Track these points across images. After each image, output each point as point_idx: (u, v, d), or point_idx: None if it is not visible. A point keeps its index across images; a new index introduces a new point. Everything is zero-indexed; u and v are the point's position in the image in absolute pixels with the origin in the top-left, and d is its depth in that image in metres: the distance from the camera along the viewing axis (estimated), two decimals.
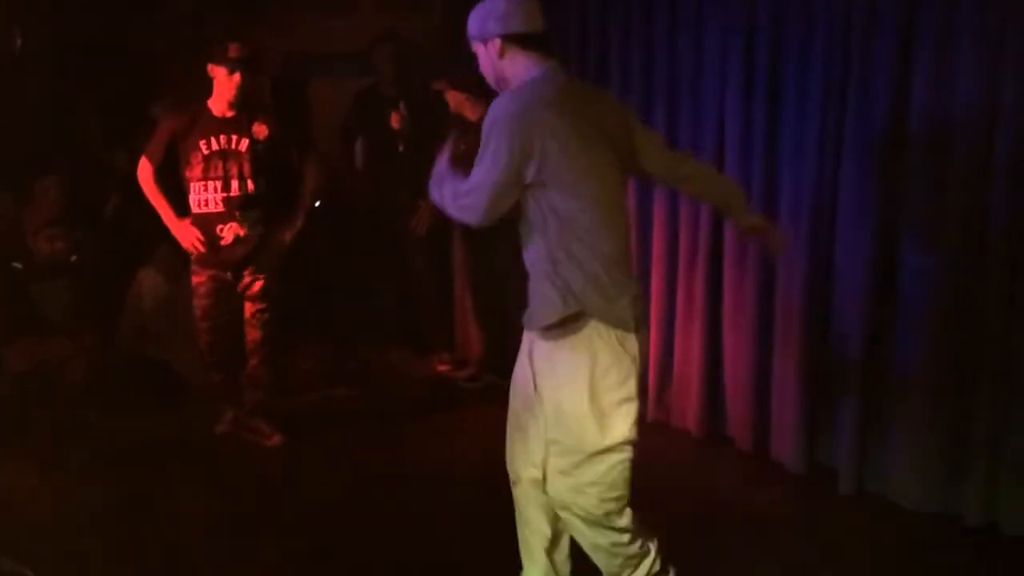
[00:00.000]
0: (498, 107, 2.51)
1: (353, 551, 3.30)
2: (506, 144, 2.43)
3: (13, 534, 3.19)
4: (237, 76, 3.87)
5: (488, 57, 2.61)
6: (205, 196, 3.97)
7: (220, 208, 3.97)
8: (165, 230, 4.18)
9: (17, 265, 4.33)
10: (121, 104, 5.55)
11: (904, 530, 3.41)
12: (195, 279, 4.08)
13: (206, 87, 3.98)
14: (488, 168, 2.47)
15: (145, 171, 4.00)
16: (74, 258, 4.58)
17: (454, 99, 4.61)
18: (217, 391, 4.29)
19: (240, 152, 3.98)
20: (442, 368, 5.25)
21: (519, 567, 2.84)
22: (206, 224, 3.99)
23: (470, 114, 4.53)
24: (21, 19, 5.55)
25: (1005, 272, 3.18)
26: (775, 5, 3.71)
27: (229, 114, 3.97)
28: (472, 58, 2.69)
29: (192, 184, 3.98)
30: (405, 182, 5.07)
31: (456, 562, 3.23)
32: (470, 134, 4.64)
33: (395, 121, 4.90)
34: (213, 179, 3.96)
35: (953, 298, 3.30)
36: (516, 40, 2.56)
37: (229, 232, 3.99)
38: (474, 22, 2.64)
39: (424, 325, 5.41)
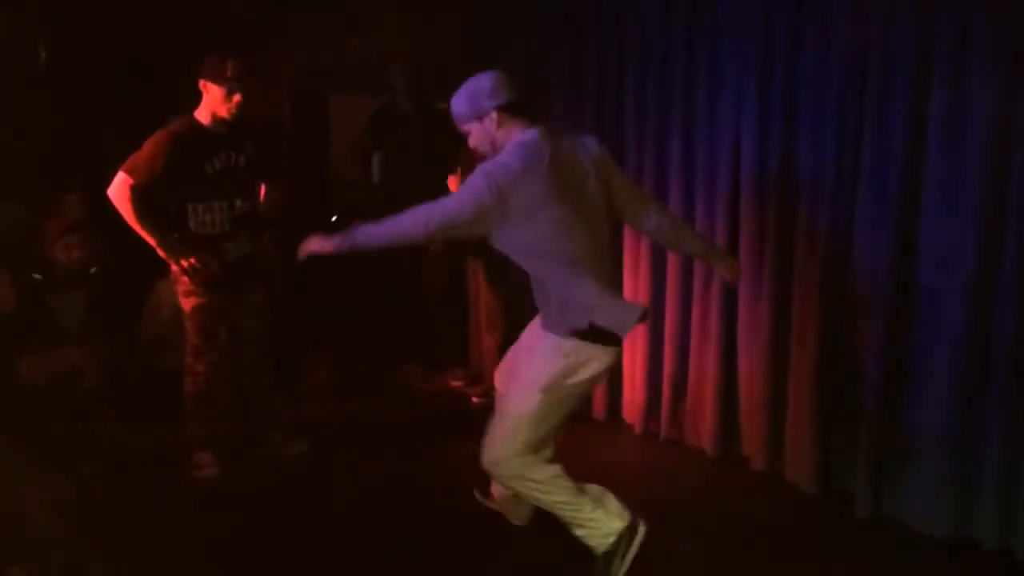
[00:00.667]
0: (503, 159, 2.87)
1: (362, 564, 3.30)
2: (489, 192, 2.79)
3: (26, 543, 3.20)
4: (237, 96, 3.75)
5: (484, 131, 2.98)
6: (211, 216, 3.84)
7: (227, 227, 3.88)
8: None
9: (37, 276, 4.37)
10: (142, 117, 5.60)
11: (919, 554, 3.38)
12: (195, 301, 3.90)
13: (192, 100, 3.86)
14: (461, 199, 2.89)
15: (124, 188, 3.71)
16: (94, 270, 4.61)
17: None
18: (203, 429, 4.08)
19: (240, 168, 3.90)
20: (455, 384, 5.25)
21: None
22: (210, 244, 3.86)
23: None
24: (44, 34, 5.63)
25: (1021, 291, 3.15)
26: (791, 31, 3.71)
27: (223, 130, 3.84)
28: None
29: (192, 206, 3.82)
30: (421, 199, 5.08)
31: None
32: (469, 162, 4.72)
33: (452, 185, 4.78)
34: (219, 198, 3.85)
35: (969, 318, 3.27)
36: (509, 109, 2.95)
37: (235, 249, 3.92)
38: (463, 104, 3.00)
39: (438, 340, 5.42)
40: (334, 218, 4.48)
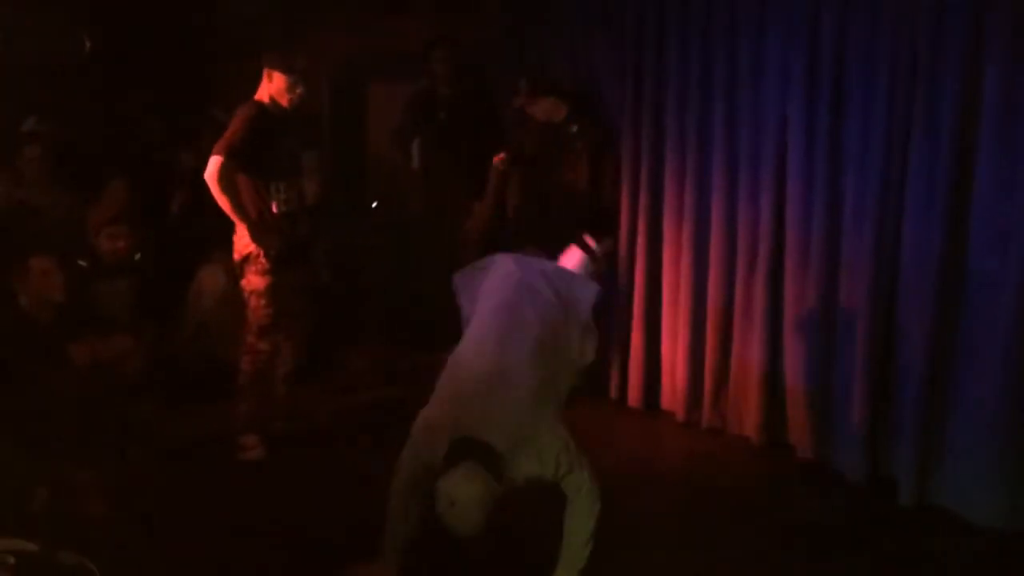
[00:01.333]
0: None
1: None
2: None
3: (73, 528, 3.25)
4: (300, 88, 3.90)
5: None
6: (287, 195, 3.97)
7: (296, 205, 4.02)
8: (225, 228, 4.17)
9: (83, 263, 4.43)
10: (182, 105, 5.66)
11: (967, 544, 3.32)
12: (270, 279, 3.95)
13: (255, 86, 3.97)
14: None
15: (217, 169, 3.78)
16: (138, 256, 4.67)
17: (545, 106, 4.58)
18: (254, 409, 4.12)
19: (300, 152, 4.07)
20: None
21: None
22: (288, 223, 3.98)
23: (554, 114, 4.54)
24: (89, 24, 5.70)
25: None
26: (840, 14, 3.65)
27: (286, 115, 3.96)
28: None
29: (275, 184, 3.93)
30: (461, 183, 5.09)
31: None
32: (534, 135, 4.68)
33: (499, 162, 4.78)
34: (292, 177, 4.00)
35: (1019, 304, 3.20)
36: None
37: (301, 228, 4.05)
38: None
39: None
40: (374, 204, 4.48)
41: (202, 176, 3.87)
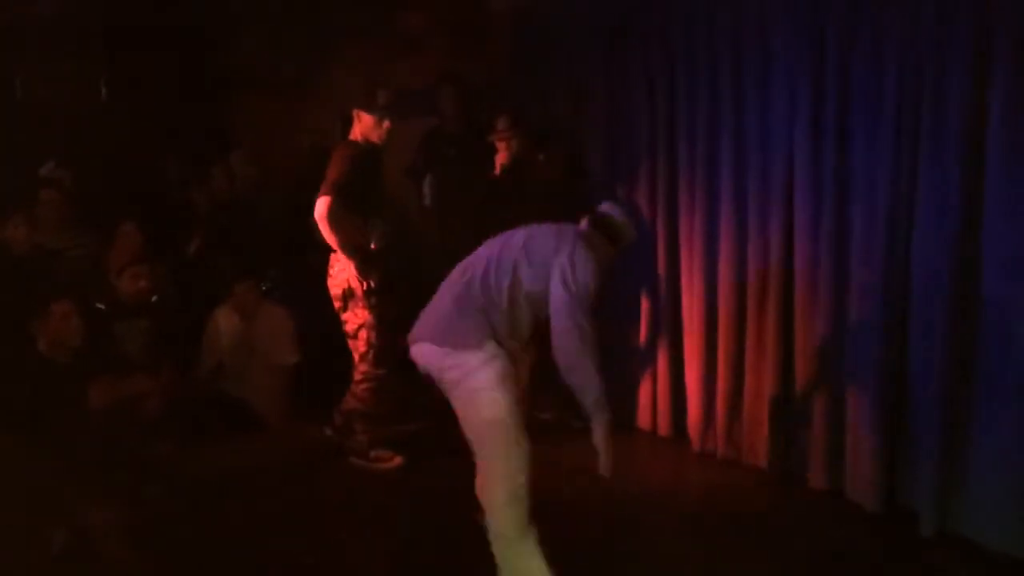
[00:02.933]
0: None
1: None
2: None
3: (92, 570, 3.27)
4: (387, 123, 4.09)
5: None
6: (384, 230, 4.16)
7: (391, 239, 4.19)
8: (243, 268, 4.42)
9: (100, 306, 4.49)
10: (198, 146, 5.75)
11: (989, 573, 3.27)
12: (380, 311, 4.15)
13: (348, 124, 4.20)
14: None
15: (326, 209, 3.93)
16: (155, 298, 4.72)
17: (519, 143, 4.73)
18: (375, 435, 4.35)
19: (382, 188, 4.23)
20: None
21: None
22: (384, 257, 4.18)
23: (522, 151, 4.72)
24: (106, 70, 5.81)
25: None
26: (844, 40, 3.66)
27: (377, 152, 4.16)
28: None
29: (371, 220, 4.11)
30: (472, 220, 5.13)
31: None
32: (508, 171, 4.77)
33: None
34: (381, 213, 4.15)
35: None
36: None
37: (392, 262, 4.23)
38: None
39: None
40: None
41: (216, 217, 3.97)
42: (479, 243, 5.00)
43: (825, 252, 3.82)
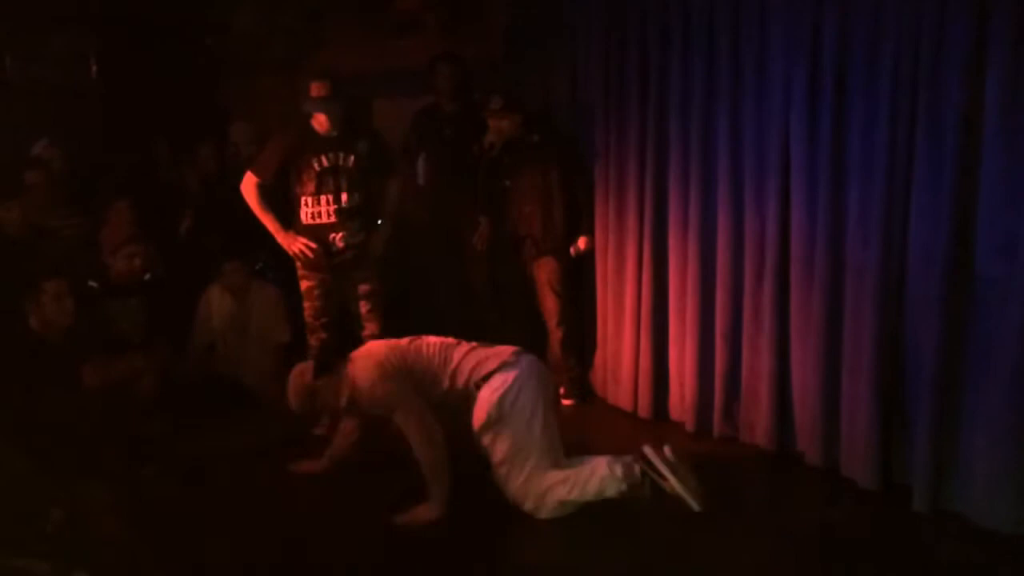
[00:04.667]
0: None
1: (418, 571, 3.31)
2: None
3: (87, 548, 3.26)
4: (323, 115, 4.23)
5: None
6: (318, 208, 4.32)
7: (333, 219, 4.33)
8: (233, 248, 4.58)
9: (93, 284, 4.46)
10: (190, 126, 5.71)
11: (981, 550, 3.30)
12: (306, 283, 4.42)
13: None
14: None
15: (250, 184, 4.31)
16: (148, 276, 4.70)
17: (512, 121, 4.74)
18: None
19: (348, 168, 4.32)
20: None
21: None
22: (319, 233, 4.34)
23: (514, 131, 4.75)
24: (96, 49, 5.75)
25: None
26: (841, 22, 3.65)
27: (335, 133, 4.28)
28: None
29: (304, 198, 4.32)
30: (466, 199, 5.12)
31: None
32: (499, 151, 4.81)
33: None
34: (325, 193, 4.30)
35: None
36: None
37: (341, 240, 4.35)
38: None
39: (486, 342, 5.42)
40: (379, 221, 4.52)
41: (207, 196, 4.02)
42: (472, 222, 5.05)
43: (821, 232, 3.82)
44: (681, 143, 4.36)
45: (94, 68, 5.72)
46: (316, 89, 4.22)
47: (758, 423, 4.19)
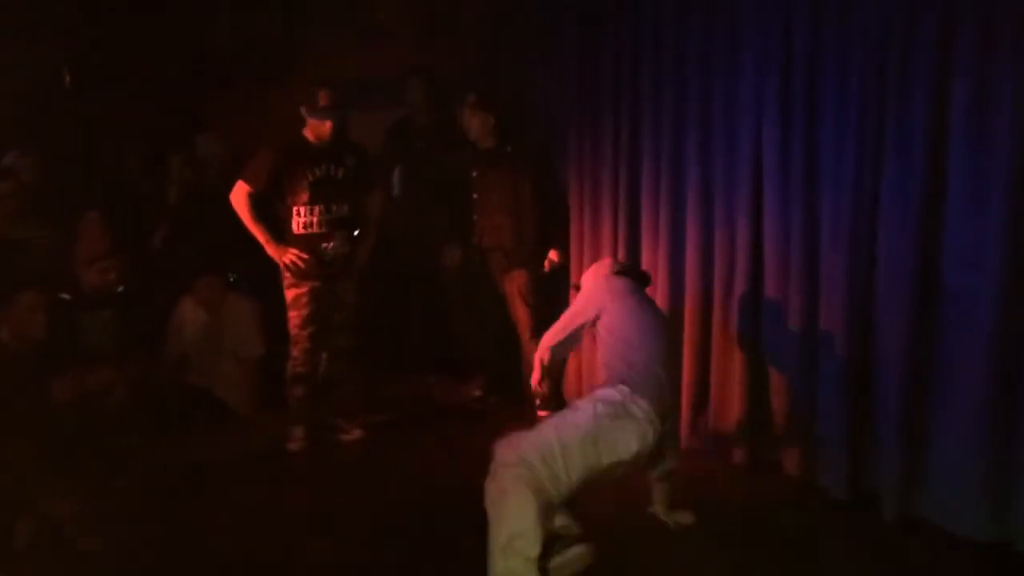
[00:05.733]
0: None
1: None
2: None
3: (58, 561, 3.23)
4: (328, 124, 4.26)
5: None
6: (311, 218, 4.34)
7: (323, 229, 4.36)
8: (206, 261, 4.57)
9: (65, 296, 4.42)
10: (164, 139, 5.68)
11: (952, 556, 3.34)
12: (295, 292, 4.40)
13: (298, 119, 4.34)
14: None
15: (241, 194, 4.29)
16: (121, 288, 4.66)
17: (483, 121, 4.75)
18: (297, 406, 4.51)
19: (337, 179, 4.37)
20: (478, 394, 5.26)
21: None
22: (310, 243, 4.35)
23: (488, 140, 4.75)
24: (69, 58, 5.71)
25: None
26: (811, 30, 3.70)
27: (324, 146, 4.32)
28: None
29: (297, 208, 4.34)
30: (441, 211, 5.14)
31: None
32: (470, 164, 4.83)
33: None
34: (318, 203, 4.33)
35: (999, 316, 3.24)
36: None
37: (331, 249, 4.38)
38: None
39: (460, 352, 5.43)
40: (355, 232, 4.53)
41: (181, 207, 4.00)
42: (449, 230, 5.05)
43: (792, 243, 3.86)
44: (653, 153, 4.39)
45: (67, 78, 5.68)
46: (324, 98, 4.25)
47: (729, 434, 4.21)
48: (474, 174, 4.87)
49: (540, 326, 4.85)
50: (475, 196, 4.89)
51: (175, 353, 5.00)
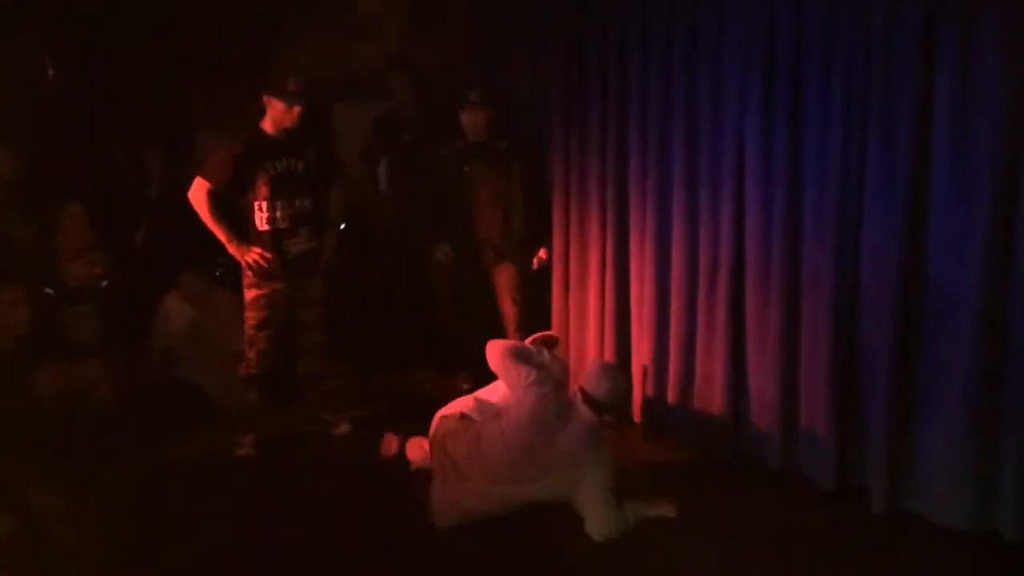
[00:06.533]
0: None
1: None
2: None
3: (43, 558, 3.21)
4: (296, 108, 4.11)
5: None
6: (273, 214, 4.19)
7: (287, 224, 4.22)
8: (190, 256, 4.41)
9: (49, 291, 4.40)
10: (147, 133, 5.64)
11: (939, 548, 3.36)
12: (255, 292, 4.24)
13: (258, 111, 4.19)
14: None
15: (200, 191, 4.13)
16: (105, 283, 4.64)
17: (482, 117, 4.72)
18: (247, 411, 4.38)
19: (299, 172, 4.24)
20: (466, 387, 5.25)
21: None
22: (274, 240, 4.21)
23: (481, 134, 4.73)
24: (51, 50, 5.67)
25: None
26: (795, 26, 3.69)
27: (284, 138, 4.19)
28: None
29: (258, 203, 4.18)
30: (426, 205, 5.12)
31: None
32: (461, 152, 4.78)
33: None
34: (280, 198, 4.19)
35: (983, 310, 3.25)
36: None
37: (295, 245, 4.25)
38: None
39: (447, 346, 5.42)
40: (342, 225, 4.51)
41: (167, 203, 3.95)
42: (438, 224, 5.03)
43: (776, 238, 3.86)
44: (639, 148, 4.38)
45: (51, 72, 5.63)
46: (294, 83, 4.12)
47: (713, 427, 4.22)
48: (466, 168, 4.84)
49: (526, 321, 4.87)
50: (466, 190, 4.87)
51: (161, 348, 4.98)
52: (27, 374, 4.11)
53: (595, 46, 4.54)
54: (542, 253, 4.86)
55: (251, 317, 4.27)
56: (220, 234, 4.17)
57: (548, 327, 4.94)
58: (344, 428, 4.61)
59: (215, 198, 4.13)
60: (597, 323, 4.71)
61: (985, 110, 3.17)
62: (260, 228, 4.20)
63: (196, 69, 6.04)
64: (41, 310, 4.19)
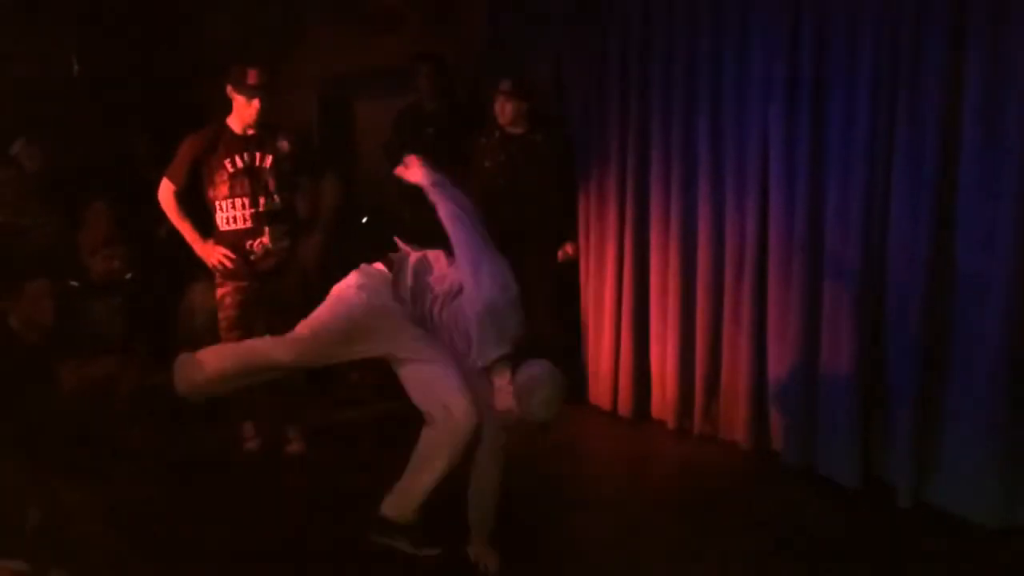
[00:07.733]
0: None
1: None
2: None
3: (65, 548, 3.23)
4: (256, 102, 3.96)
5: None
6: (233, 213, 4.04)
7: (249, 224, 4.06)
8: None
9: (74, 283, 4.43)
10: (170, 127, 5.68)
11: (966, 544, 3.31)
12: (220, 291, 4.13)
13: (224, 107, 4.07)
14: None
15: (167, 192, 4.04)
16: (128, 276, 4.67)
17: (517, 108, 4.66)
18: (239, 407, 4.31)
19: (265, 168, 4.06)
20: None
21: None
22: (236, 239, 4.06)
23: (519, 126, 4.62)
24: (77, 46, 5.72)
25: None
26: (820, 15, 3.67)
27: (251, 132, 4.04)
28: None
29: (219, 202, 4.05)
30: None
31: None
32: (497, 145, 4.70)
33: None
34: (240, 196, 4.03)
35: (1013, 298, 3.21)
36: None
37: (259, 246, 4.08)
38: None
39: None
40: (364, 219, 4.50)
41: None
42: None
43: (801, 229, 3.83)
44: (662, 142, 4.36)
45: (76, 66, 5.69)
46: (253, 76, 3.94)
47: (738, 422, 4.18)
48: (502, 158, 4.80)
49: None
50: (500, 182, 4.82)
51: (186, 340, 4.99)
52: (52, 366, 4.13)
53: (618, 37, 4.52)
54: (569, 248, 4.83)
55: (221, 318, 4.15)
56: (186, 234, 4.07)
57: (570, 319, 4.92)
58: (296, 447, 4.30)
59: (180, 198, 4.04)
60: (613, 315, 4.69)
61: (1015, 97, 3.13)
62: (221, 228, 4.07)
63: (220, 63, 6.06)
64: (66, 303, 4.22)
